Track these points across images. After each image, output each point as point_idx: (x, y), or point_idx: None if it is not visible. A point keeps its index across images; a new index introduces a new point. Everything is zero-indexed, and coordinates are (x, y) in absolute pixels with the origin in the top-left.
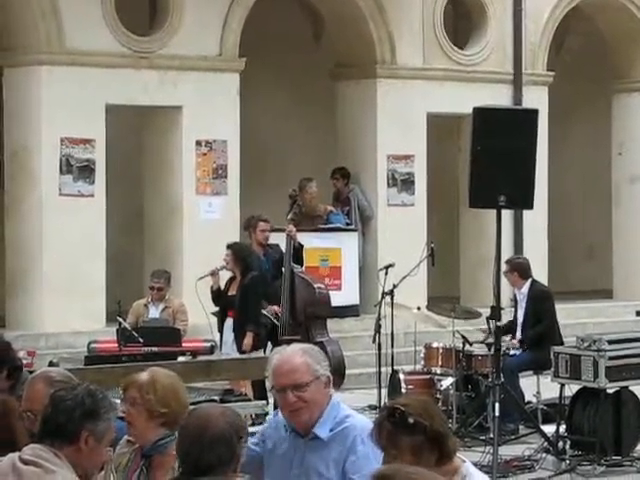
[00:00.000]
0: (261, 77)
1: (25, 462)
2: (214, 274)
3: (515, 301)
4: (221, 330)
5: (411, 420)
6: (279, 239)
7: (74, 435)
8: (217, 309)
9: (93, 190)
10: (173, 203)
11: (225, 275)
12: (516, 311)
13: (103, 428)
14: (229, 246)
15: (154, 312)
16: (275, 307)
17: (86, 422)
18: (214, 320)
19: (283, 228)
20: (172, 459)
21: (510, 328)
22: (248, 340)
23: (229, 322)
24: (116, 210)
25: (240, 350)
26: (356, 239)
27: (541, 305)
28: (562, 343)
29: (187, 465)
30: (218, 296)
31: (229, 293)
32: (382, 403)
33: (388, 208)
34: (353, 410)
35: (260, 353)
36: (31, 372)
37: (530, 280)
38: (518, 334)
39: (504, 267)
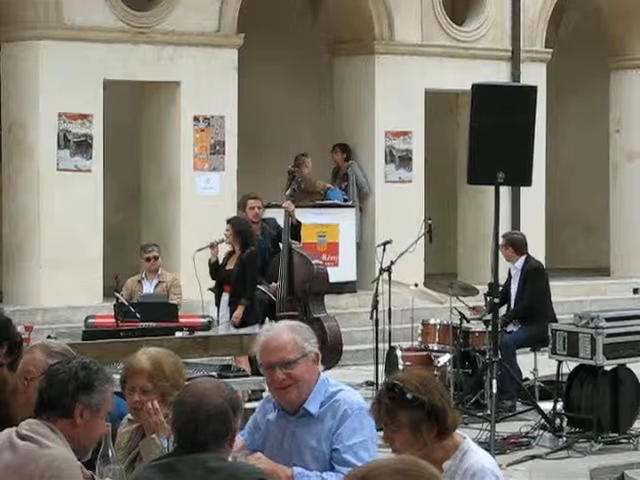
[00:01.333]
0: (259, 53)
1: (22, 437)
2: (213, 247)
3: (509, 276)
4: (218, 305)
5: (409, 395)
6: (277, 215)
7: (69, 409)
8: (214, 284)
9: (90, 165)
10: (171, 179)
11: (223, 249)
12: (508, 285)
13: (98, 400)
14: (229, 220)
15: (148, 288)
16: (275, 284)
17: (80, 395)
18: (211, 296)
19: (281, 204)
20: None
21: (504, 300)
22: (238, 312)
23: (226, 297)
24: (113, 185)
25: (235, 324)
26: (353, 215)
27: (530, 281)
28: (555, 320)
29: (183, 441)
30: (215, 270)
31: (226, 268)
32: (379, 379)
33: (386, 184)
34: (343, 384)
35: (256, 328)
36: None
37: (525, 256)
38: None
39: (501, 241)
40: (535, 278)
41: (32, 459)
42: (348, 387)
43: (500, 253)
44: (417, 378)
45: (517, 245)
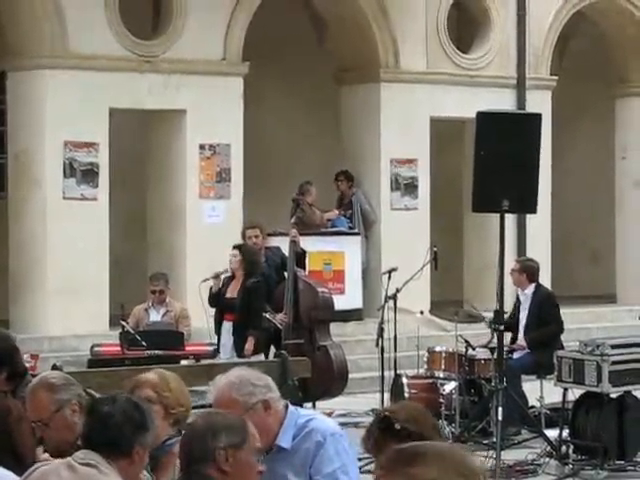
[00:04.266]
0: (265, 81)
1: (79, 464)
2: (217, 277)
3: (518, 302)
4: (218, 333)
5: (397, 426)
6: (282, 243)
7: (128, 449)
8: (214, 312)
9: (96, 194)
10: (176, 207)
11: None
12: (518, 312)
13: (151, 439)
14: (238, 247)
15: (155, 316)
16: (280, 315)
17: (138, 436)
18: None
19: (287, 232)
20: (175, 458)
21: (510, 326)
22: (249, 345)
23: (227, 325)
24: (119, 213)
25: (240, 354)
26: (359, 243)
27: (548, 309)
28: (562, 348)
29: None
30: (216, 299)
31: (227, 295)
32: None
33: (391, 212)
34: (315, 412)
35: (261, 357)
36: (34, 375)
37: (535, 284)
38: (521, 335)
39: (513, 265)
40: (553, 304)
41: None
42: (319, 414)
43: (511, 277)
44: (407, 409)
45: (531, 273)
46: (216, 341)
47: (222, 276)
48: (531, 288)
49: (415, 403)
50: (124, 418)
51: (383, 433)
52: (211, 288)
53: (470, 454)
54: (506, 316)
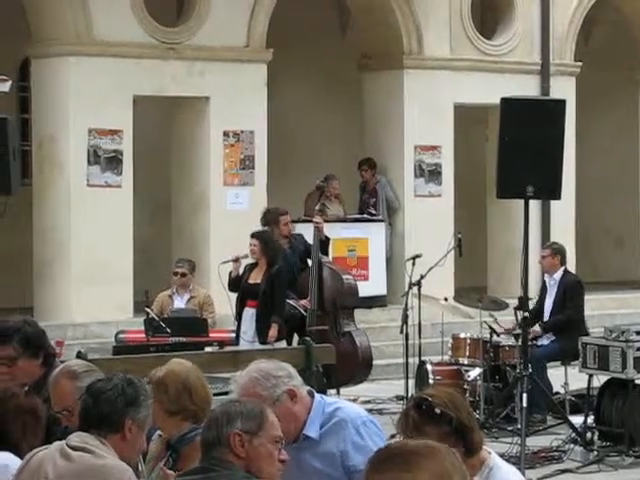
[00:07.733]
0: (288, 68)
1: (73, 448)
2: (237, 260)
3: (544, 287)
4: (239, 319)
5: (438, 411)
6: (306, 230)
7: (119, 424)
8: (235, 298)
9: (120, 181)
10: (200, 194)
11: (243, 263)
12: (543, 298)
13: (144, 415)
14: (257, 235)
15: (179, 303)
16: (304, 301)
17: (129, 410)
18: None
19: (310, 219)
20: (197, 449)
21: (538, 313)
22: (273, 332)
23: (250, 312)
24: (143, 201)
25: (263, 341)
26: (383, 230)
27: (571, 295)
28: (587, 334)
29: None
30: (236, 283)
31: (250, 281)
32: (409, 394)
33: (415, 199)
34: (339, 399)
35: (284, 344)
36: (62, 362)
37: (564, 268)
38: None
39: (544, 252)
40: (577, 291)
41: (89, 467)
42: (344, 401)
43: (542, 263)
44: (446, 395)
45: (563, 255)
46: (236, 327)
47: (242, 260)
48: (559, 273)
49: (450, 389)
50: (116, 393)
51: (422, 417)
52: (230, 273)
53: (455, 454)
54: (532, 303)
